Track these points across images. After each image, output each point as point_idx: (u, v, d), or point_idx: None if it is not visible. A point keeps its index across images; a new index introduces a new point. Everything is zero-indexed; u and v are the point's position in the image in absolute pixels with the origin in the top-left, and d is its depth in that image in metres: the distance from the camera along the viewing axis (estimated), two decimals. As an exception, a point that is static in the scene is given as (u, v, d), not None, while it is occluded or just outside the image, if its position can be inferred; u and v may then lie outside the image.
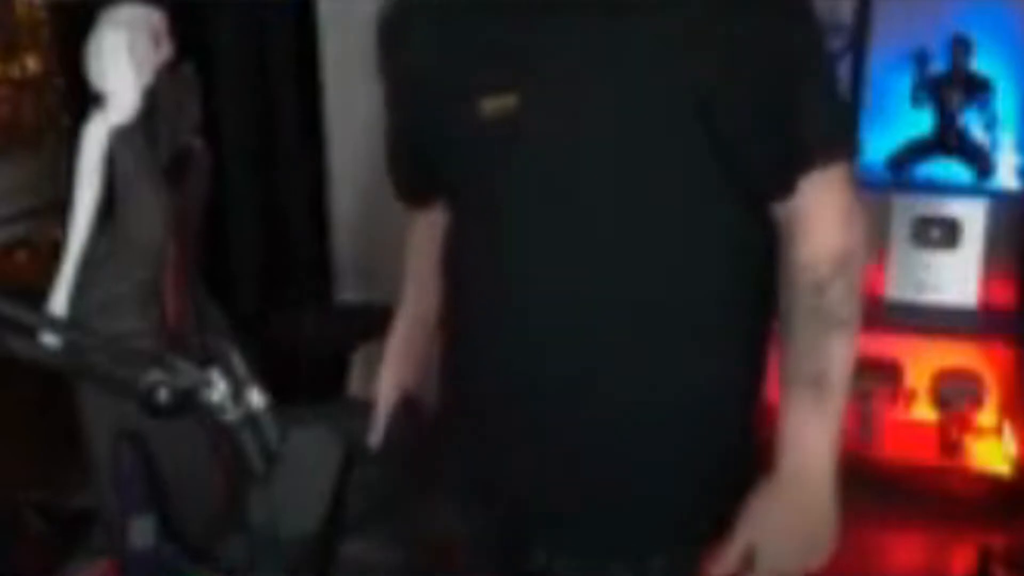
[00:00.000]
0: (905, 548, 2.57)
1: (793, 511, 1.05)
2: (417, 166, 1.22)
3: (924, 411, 2.78)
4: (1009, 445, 2.66)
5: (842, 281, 0.99)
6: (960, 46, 2.50)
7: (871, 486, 2.62)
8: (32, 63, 2.43)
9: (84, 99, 2.45)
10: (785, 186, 1.01)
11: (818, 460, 1.05)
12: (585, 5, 0.99)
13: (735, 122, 0.98)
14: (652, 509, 1.07)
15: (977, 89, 2.52)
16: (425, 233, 1.31)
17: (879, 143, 2.60)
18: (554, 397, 1.05)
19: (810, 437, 1.03)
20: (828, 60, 1.20)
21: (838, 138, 1.04)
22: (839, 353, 1.01)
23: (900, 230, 2.74)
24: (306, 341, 2.51)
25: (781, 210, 1.02)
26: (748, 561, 1.02)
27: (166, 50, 1.17)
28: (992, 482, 2.61)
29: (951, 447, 2.68)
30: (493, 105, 1.02)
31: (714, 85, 0.96)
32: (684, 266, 1.03)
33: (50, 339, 0.64)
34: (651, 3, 0.97)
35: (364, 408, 1.16)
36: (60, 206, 2.45)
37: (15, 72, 2.42)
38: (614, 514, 1.07)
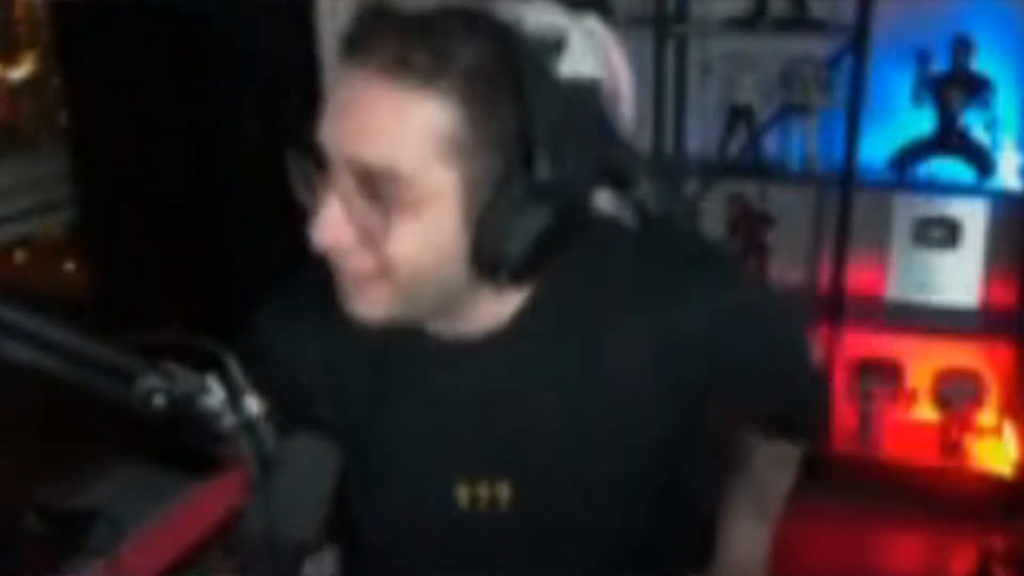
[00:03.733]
0: (905, 548, 2.57)
1: None
2: None
3: (924, 411, 2.78)
4: (1009, 445, 2.66)
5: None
6: (961, 46, 2.50)
7: (871, 486, 2.62)
8: (31, 63, 2.44)
9: (82, 99, 2.46)
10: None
11: (756, 561, 1.17)
12: None
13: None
14: None
15: (978, 89, 2.51)
16: None
17: (880, 143, 2.60)
18: None
19: (751, 539, 1.16)
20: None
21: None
22: (788, 485, 1.16)
23: (901, 230, 2.74)
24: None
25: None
26: None
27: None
28: (992, 482, 2.61)
29: (951, 447, 2.69)
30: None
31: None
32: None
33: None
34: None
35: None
36: (59, 206, 2.46)
37: (14, 72, 2.42)
38: None
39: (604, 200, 1.09)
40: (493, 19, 0.80)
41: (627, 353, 0.89)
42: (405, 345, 0.92)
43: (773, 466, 1.13)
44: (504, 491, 0.93)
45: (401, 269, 0.79)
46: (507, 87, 0.77)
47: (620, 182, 0.99)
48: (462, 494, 0.94)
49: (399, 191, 0.76)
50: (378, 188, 0.77)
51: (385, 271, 0.80)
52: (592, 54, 1.15)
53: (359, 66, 0.77)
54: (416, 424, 0.94)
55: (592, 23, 1.21)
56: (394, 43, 0.75)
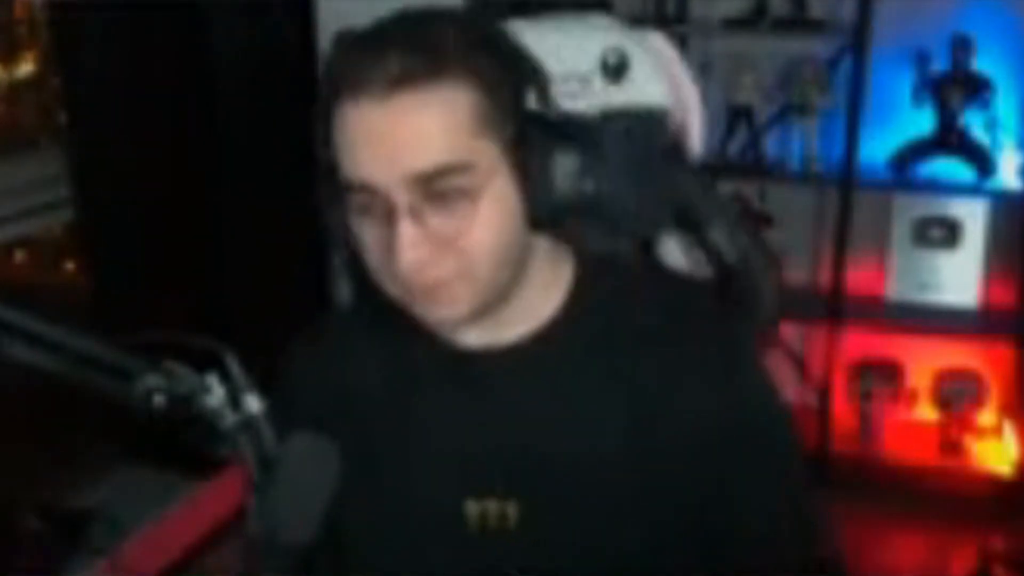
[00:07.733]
0: (905, 548, 2.57)
1: None
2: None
3: (925, 411, 2.78)
4: (1009, 445, 2.66)
5: None
6: (960, 45, 2.50)
7: (871, 486, 2.62)
8: (31, 63, 2.44)
9: (82, 99, 2.47)
10: None
11: None
12: None
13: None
14: None
15: (978, 89, 2.52)
16: None
17: (880, 143, 2.60)
18: None
19: None
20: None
21: None
22: None
23: (901, 230, 2.74)
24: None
25: None
26: None
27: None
28: (992, 482, 2.61)
29: (951, 447, 2.69)
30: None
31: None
32: None
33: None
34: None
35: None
36: (59, 206, 2.46)
37: (14, 72, 2.43)
38: None
39: (672, 248, 1.09)
40: (448, 9, 0.86)
41: (639, 398, 0.92)
42: (427, 363, 0.95)
43: None
44: (512, 510, 0.94)
45: (482, 258, 0.84)
46: (497, 55, 0.84)
47: (689, 224, 1.01)
48: (471, 511, 0.95)
49: (462, 181, 0.81)
50: (442, 188, 0.81)
51: (465, 268, 0.85)
52: (657, 77, 1.12)
53: (367, 93, 0.80)
54: (431, 443, 0.96)
55: (658, 42, 1.16)
56: (390, 61, 0.79)
